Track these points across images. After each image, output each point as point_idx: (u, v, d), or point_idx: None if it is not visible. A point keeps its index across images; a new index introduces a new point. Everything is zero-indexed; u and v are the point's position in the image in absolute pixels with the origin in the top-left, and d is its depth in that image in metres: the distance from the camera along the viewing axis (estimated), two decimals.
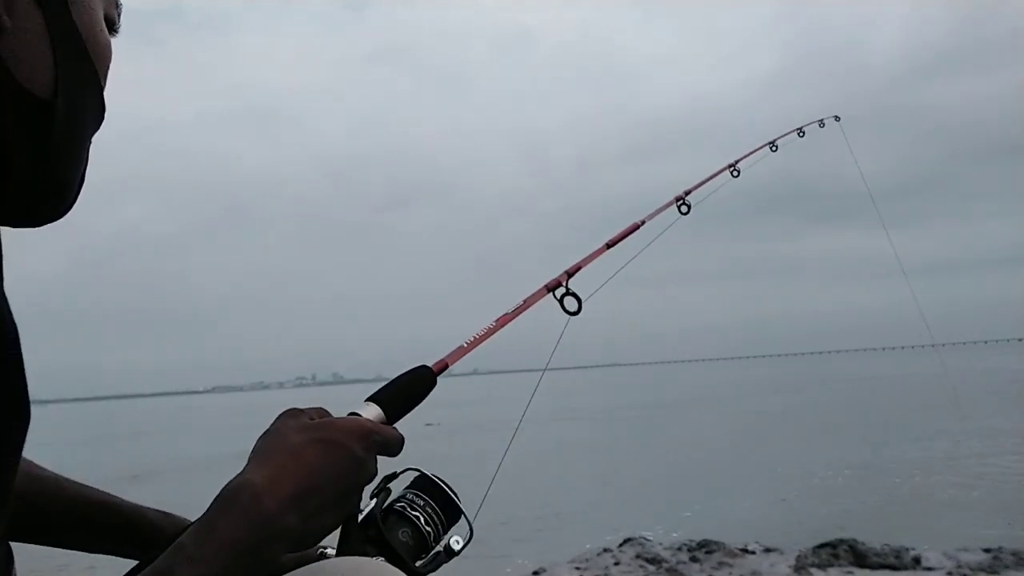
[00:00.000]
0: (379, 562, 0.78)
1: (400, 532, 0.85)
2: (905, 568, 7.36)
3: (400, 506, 0.87)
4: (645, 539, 8.65)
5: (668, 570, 7.64)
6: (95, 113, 0.63)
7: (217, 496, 0.66)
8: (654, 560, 7.92)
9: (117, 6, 0.66)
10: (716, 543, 8.28)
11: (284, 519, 0.65)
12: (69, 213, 0.63)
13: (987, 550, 7.49)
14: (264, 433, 0.72)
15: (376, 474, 0.79)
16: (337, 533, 0.79)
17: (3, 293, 0.49)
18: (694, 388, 65.39)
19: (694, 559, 7.95)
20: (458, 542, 0.91)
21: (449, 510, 0.90)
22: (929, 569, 7.30)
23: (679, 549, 8.28)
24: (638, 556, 8.06)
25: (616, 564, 7.93)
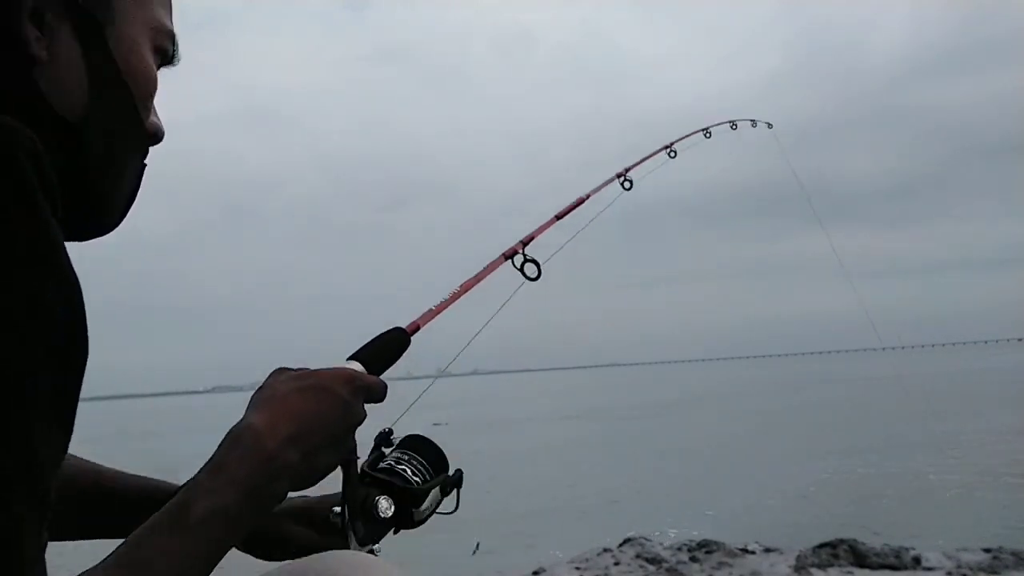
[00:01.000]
0: (367, 555, 0.83)
1: (393, 480, 0.91)
2: (905, 568, 7.36)
3: (387, 463, 0.94)
4: (645, 539, 8.65)
5: (668, 570, 7.63)
6: (134, 136, 0.68)
7: (222, 440, 0.73)
8: (654, 560, 7.92)
9: (172, 39, 0.72)
10: (716, 543, 8.28)
11: (285, 456, 0.72)
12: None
13: (987, 550, 7.49)
14: (258, 389, 0.80)
15: (365, 417, 0.84)
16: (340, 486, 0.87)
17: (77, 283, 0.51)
18: (692, 388, 65.43)
19: (694, 559, 7.95)
20: (459, 472, 1.00)
21: (437, 465, 0.97)
22: (929, 569, 7.30)
23: (679, 549, 8.28)
24: (638, 556, 8.06)
25: (616, 564, 7.93)
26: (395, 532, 0.92)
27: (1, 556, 0.45)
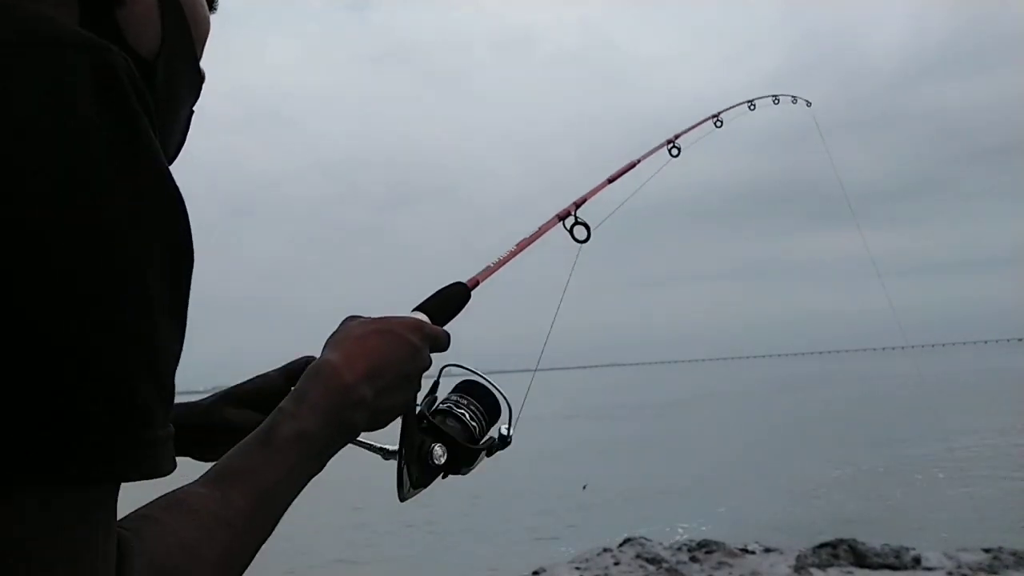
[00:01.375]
0: None
1: (450, 425, 0.95)
2: (905, 568, 7.36)
3: (447, 406, 0.98)
4: (645, 539, 8.65)
5: (668, 570, 7.64)
6: (191, 80, 0.72)
7: (304, 374, 0.78)
8: (654, 560, 7.92)
9: None
10: (716, 543, 8.28)
11: (360, 390, 0.77)
12: None
13: (987, 550, 7.49)
14: (331, 334, 0.84)
15: (431, 364, 0.89)
16: (398, 431, 0.90)
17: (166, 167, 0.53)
18: (692, 388, 65.43)
19: (694, 559, 7.95)
20: (508, 429, 1.01)
21: (492, 409, 1.00)
22: (929, 569, 7.31)
23: (679, 549, 8.28)
24: (638, 556, 8.06)
25: (616, 564, 7.93)
26: (443, 477, 0.95)
27: (132, 439, 0.48)
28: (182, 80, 0.69)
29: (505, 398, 1.01)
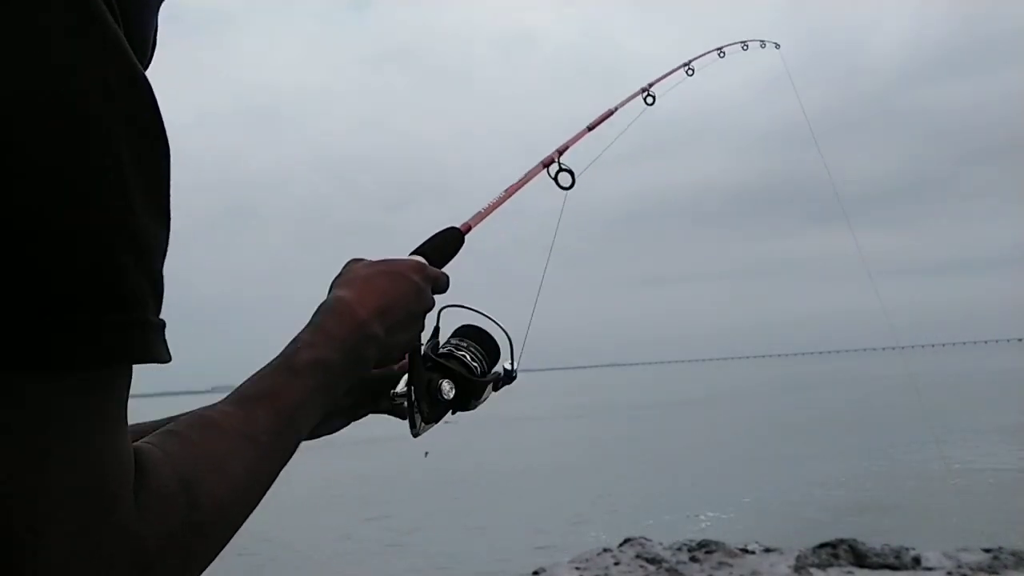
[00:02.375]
0: None
1: (452, 364, 0.99)
2: (905, 568, 7.36)
3: (447, 349, 1.02)
4: (645, 539, 8.64)
5: (668, 570, 7.63)
6: None
7: (317, 309, 0.81)
8: (654, 560, 7.92)
9: None
10: (716, 543, 8.27)
11: (372, 326, 0.80)
12: None
13: (987, 550, 7.49)
14: (337, 275, 0.88)
15: (434, 304, 0.93)
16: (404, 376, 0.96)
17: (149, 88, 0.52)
18: (691, 389, 65.43)
19: (694, 559, 7.95)
20: (512, 364, 1.06)
21: (492, 350, 1.04)
22: (929, 569, 7.30)
23: (679, 549, 8.28)
24: (638, 556, 8.06)
25: (616, 564, 7.93)
26: (452, 413, 0.99)
27: (122, 320, 0.48)
28: None
29: (506, 332, 1.05)
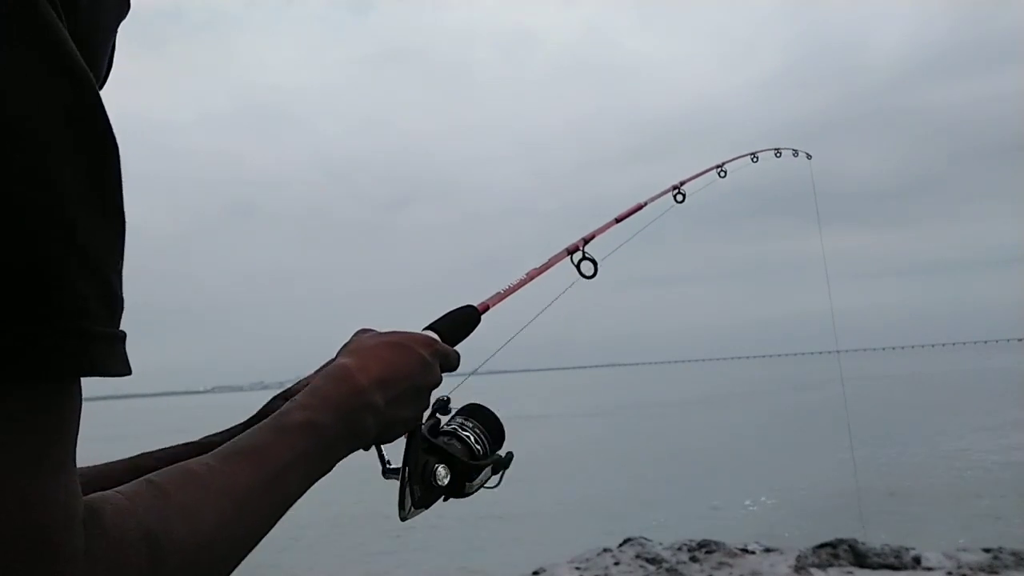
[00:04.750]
0: None
1: (454, 446, 0.95)
2: (905, 568, 7.36)
3: (451, 427, 0.99)
4: (645, 539, 8.64)
5: (668, 570, 7.64)
6: (118, 1, 0.67)
7: (318, 373, 0.79)
8: (654, 560, 7.92)
9: None
10: (716, 543, 8.27)
11: (372, 395, 0.78)
12: None
13: (987, 550, 7.49)
14: (344, 344, 0.86)
15: (441, 381, 0.90)
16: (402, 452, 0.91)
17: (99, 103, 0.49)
18: (691, 389, 65.39)
19: (694, 559, 7.95)
20: (510, 454, 1.02)
21: (496, 436, 1.01)
22: (929, 569, 7.30)
23: (679, 549, 8.28)
24: (638, 556, 8.06)
25: (616, 564, 7.93)
26: (444, 500, 0.95)
27: (61, 331, 0.44)
28: (108, 2, 0.64)
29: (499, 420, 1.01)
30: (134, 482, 0.55)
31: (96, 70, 0.64)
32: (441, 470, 0.92)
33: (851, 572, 7.35)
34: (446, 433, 0.97)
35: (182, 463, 0.60)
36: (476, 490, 0.97)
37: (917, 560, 7.46)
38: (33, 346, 0.43)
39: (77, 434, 0.47)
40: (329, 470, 0.74)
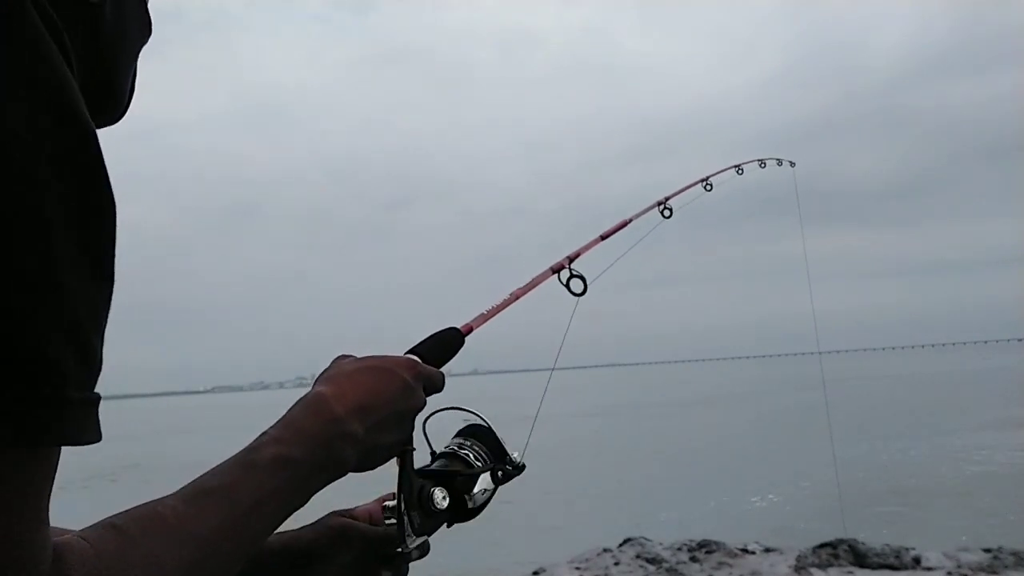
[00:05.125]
0: None
1: (448, 467, 0.93)
2: (905, 568, 7.36)
3: (449, 448, 0.96)
4: (645, 539, 8.65)
5: (668, 570, 7.64)
6: (140, 25, 0.68)
7: (293, 404, 0.76)
8: (654, 560, 7.92)
9: None
10: (716, 543, 8.28)
11: (350, 423, 0.74)
12: None
13: (987, 550, 7.49)
14: (323, 371, 0.83)
15: (425, 404, 0.86)
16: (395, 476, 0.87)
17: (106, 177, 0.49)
18: (690, 389, 65.41)
19: (694, 559, 7.95)
20: (518, 456, 0.98)
21: (496, 454, 0.97)
22: (929, 569, 7.31)
23: (679, 549, 8.28)
24: (638, 556, 8.06)
25: (616, 564, 7.94)
26: (448, 526, 0.92)
27: (32, 399, 0.43)
28: (131, 26, 0.66)
29: (495, 432, 0.98)
30: (99, 526, 0.54)
31: (119, 96, 0.66)
32: (438, 493, 0.88)
33: (851, 572, 7.35)
34: (442, 455, 0.94)
35: (148, 504, 0.59)
36: (481, 509, 0.94)
37: (917, 560, 7.46)
38: (6, 414, 0.42)
39: (51, 490, 0.47)
40: (306, 502, 0.72)
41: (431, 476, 0.90)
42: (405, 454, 0.86)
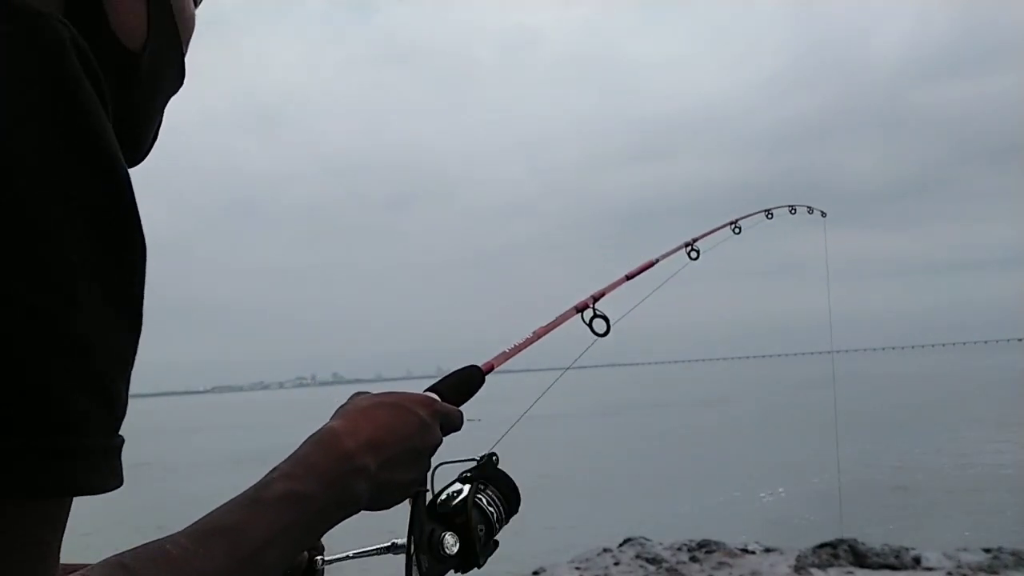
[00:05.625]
0: None
1: (463, 513, 0.90)
2: (905, 568, 7.36)
3: (465, 493, 0.93)
4: (645, 539, 8.65)
5: (668, 570, 7.64)
6: (175, 73, 0.69)
7: (305, 439, 0.75)
8: (654, 560, 7.92)
9: None
10: (716, 543, 8.28)
11: (362, 459, 0.73)
12: None
13: (987, 550, 7.50)
14: (340, 406, 0.82)
15: (441, 443, 0.84)
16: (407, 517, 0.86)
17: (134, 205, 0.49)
18: (695, 389, 65.40)
19: (694, 559, 7.95)
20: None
21: (512, 495, 0.96)
22: (929, 569, 7.31)
23: (679, 549, 8.28)
24: (638, 556, 8.06)
25: (616, 564, 7.94)
26: (456, 571, 0.89)
27: (54, 448, 0.43)
28: (166, 74, 0.67)
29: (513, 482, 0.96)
30: (108, 564, 0.54)
31: (142, 143, 0.67)
32: (449, 538, 0.86)
33: (851, 572, 7.35)
34: (453, 506, 0.91)
35: (157, 543, 0.59)
36: (489, 557, 0.92)
37: (917, 560, 7.46)
38: (24, 462, 0.42)
39: (62, 535, 0.47)
40: (318, 539, 0.70)
41: (444, 520, 0.88)
42: (418, 495, 0.85)
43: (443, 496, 0.91)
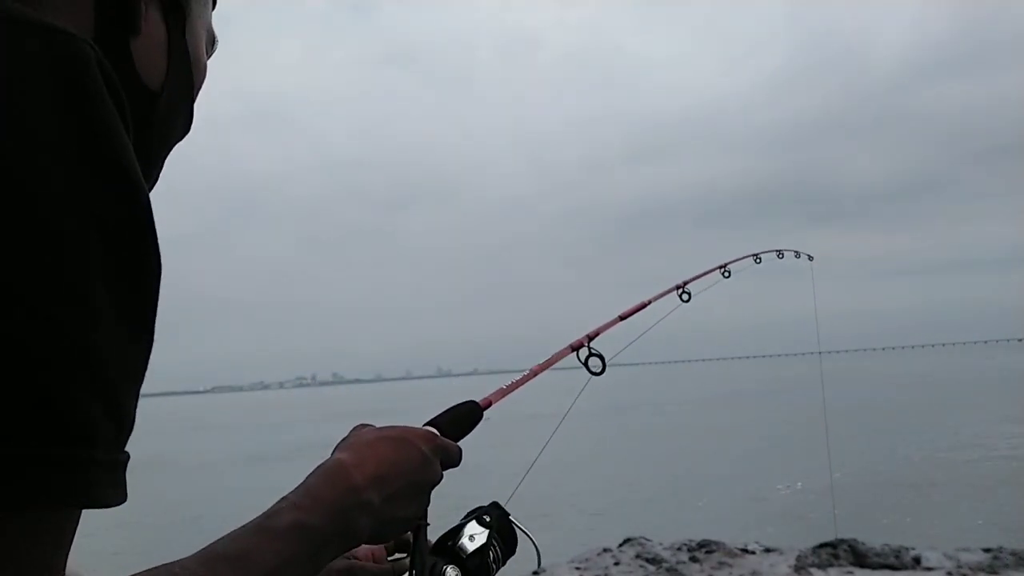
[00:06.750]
0: None
1: (464, 550, 0.92)
2: (905, 568, 7.36)
3: (462, 531, 0.96)
4: (645, 539, 8.64)
5: (668, 570, 7.64)
6: (184, 122, 0.72)
7: (313, 471, 0.77)
8: (654, 560, 7.92)
9: (214, 41, 0.80)
10: (716, 543, 8.27)
11: (367, 493, 0.75)
12: None
13: (987, 550, 7.49)
14: (342, 439, 0.84)
15: (441, 478, 0.86)
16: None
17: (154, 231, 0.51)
18: (696, 389, 65.40)
19: (694, 559, 7.95)
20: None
21: (510, 538, 0.97)
22: (929, 569, 7.30)
23: (679, 549, 8.28)
24: (638, 556, 8.06)
25: (616, 564, 7.93)
26: None
27: (59, 460, 0.43)
28: (178, 117, 0.70)
29: (531, 539, 0.99)
30: None
31: (150, 182, 0.68)
32: (451, 572, 0.88)
33: (851, 572, 7.35)
34: (456, 534, 0.94)
35: (165, 567, 0.59)
36: None
37: (917, 560, 7.46)
38: (30, 471, 0.42)
39: (70, 546, 0.47)
40: (319, 571, 0.72)
41: (445, 554, 0.90)
42: (419, 528, 0.87)
43: (462, 539, 0.93)
